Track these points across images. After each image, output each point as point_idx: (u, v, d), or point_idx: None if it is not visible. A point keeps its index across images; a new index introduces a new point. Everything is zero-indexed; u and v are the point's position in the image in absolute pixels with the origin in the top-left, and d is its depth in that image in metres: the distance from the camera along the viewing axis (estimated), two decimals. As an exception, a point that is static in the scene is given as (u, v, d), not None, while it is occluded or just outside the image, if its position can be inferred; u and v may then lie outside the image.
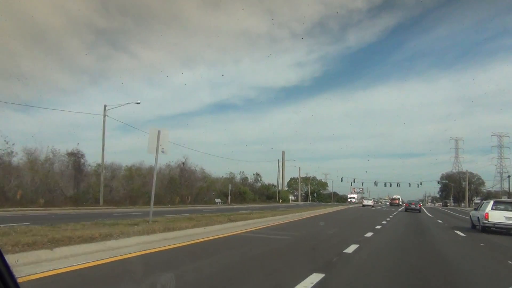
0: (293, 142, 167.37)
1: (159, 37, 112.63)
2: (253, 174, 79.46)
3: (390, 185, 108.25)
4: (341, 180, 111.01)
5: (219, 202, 56.51)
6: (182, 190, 53.23)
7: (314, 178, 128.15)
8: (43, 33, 72.53)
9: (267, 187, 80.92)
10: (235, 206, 50.58)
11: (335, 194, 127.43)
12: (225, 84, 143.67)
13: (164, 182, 50.93)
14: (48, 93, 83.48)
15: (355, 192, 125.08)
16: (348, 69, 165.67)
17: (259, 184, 79.32)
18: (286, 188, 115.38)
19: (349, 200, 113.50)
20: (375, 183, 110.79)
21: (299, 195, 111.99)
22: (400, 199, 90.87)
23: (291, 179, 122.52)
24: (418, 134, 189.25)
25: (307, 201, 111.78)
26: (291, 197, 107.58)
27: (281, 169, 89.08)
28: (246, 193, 65.18)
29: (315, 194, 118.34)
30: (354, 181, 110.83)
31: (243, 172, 75.83)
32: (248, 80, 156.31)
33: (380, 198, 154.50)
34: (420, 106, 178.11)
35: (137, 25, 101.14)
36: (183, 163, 55.42)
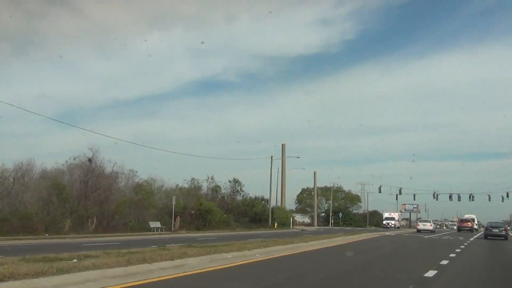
0: (308, 137, 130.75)
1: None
2: (229, 181, 54.64)
3: (459, 199, 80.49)
4: (379, 191, 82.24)
5: (157, 228, 36.69)
6: (85, 207, 34.02)
7: (339, 189, 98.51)
8: None
9: (252, 203, 54.78)
10: (180, 235, 32.14)
11: (374, 213, 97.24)
12: (212, 52, 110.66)
13: (43, 193, 31.97)
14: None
15: (406, 210, 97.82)
16: (396, 29, 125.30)
17: (239, 197, 55.02)
18: (295, 204, 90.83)
19: (384, 223, 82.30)
20: (434, 195, 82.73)
21: (315, 215, 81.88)
22: (475, 221, 66.07)
23: (302, 190, 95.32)
24: (499, 124, 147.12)
25: (329, 224, 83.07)
26: (305, 220, 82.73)
27: (278, 172, 59.24)
28: (211, 212, 44.34)
29: (340, 215, 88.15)
30: (400, 193, 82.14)
31: (212, 178, 52.50)
32: (247, 46, 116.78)
33: (444, 220, 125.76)
34: (502, 82, 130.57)
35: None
36: (90, 160, 36.27)
